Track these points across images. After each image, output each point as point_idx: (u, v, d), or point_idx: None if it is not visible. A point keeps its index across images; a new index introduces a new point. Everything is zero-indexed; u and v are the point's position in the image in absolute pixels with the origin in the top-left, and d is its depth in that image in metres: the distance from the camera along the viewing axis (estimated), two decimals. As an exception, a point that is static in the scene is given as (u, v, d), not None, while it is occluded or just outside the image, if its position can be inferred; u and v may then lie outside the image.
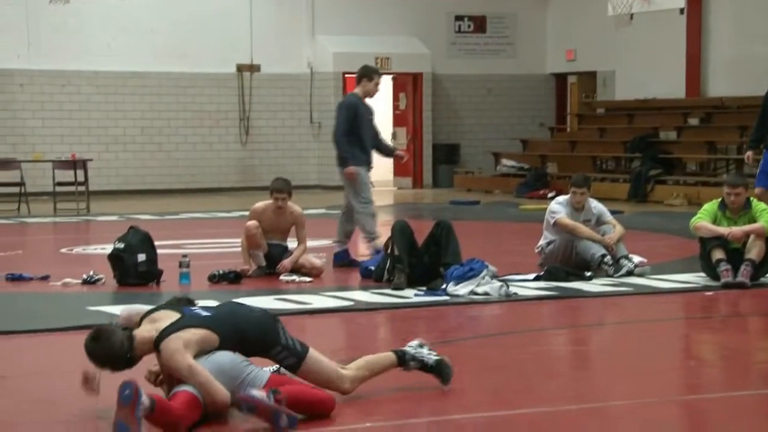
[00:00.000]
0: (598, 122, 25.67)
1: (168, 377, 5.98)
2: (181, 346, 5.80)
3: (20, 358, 7.72)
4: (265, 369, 6.00)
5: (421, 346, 6.46)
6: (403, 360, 6.38)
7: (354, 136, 12.12)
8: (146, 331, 5.94)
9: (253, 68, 25.02)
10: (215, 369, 5.79)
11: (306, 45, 25.44)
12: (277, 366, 6.13)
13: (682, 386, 6.93)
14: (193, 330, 5.90)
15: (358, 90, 12.56)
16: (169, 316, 6.01)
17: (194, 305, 6.22)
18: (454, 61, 26.84)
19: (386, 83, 26.96)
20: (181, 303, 6.21)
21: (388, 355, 6.41)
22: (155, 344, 5.86)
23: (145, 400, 5.41)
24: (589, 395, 6.58)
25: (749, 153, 13.79)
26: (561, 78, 27.87)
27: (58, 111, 23.63)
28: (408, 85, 26.31)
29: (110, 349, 5.84)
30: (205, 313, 6.09)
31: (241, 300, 9.08)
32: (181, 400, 5.66)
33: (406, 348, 6.45)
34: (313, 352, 6.15)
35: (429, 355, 6.44)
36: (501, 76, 27.04)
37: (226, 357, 5.89)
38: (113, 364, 5.88)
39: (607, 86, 26.24)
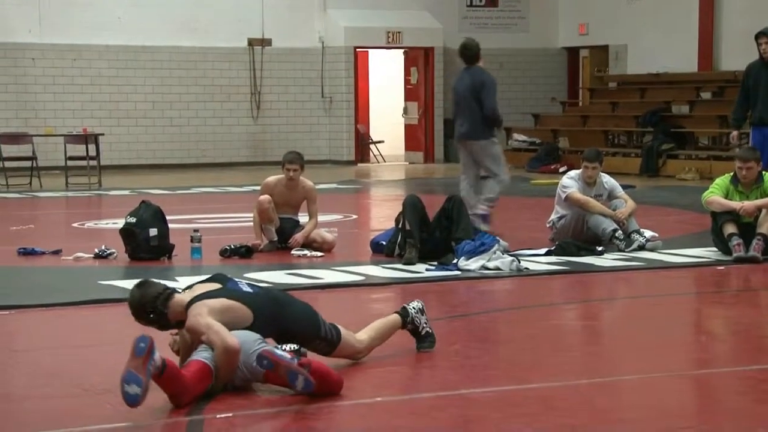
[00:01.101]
0: (610, 96, 25.60)
1: (185, 349, 6.01)
2: (205, 310, 5.88)
3: (32, 333, 7.76)
4: (283, 349, 6.00)
5: (421, 312, 6.72)
6: (404, 321, 6.65)
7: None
8: (184, 296, 6.03)
9: (265, 42, 24.98)
10: None
11: (317, 19, 25.38)
12: (298, 346, 6.15)
13: (693, 361, 6.94)
14: (224, 300, 5.98)
15: (482, 64, 12.99)
16: (209, 287, 6.10)
17: (240, 282, 6.29)
18: (466, 35, 26.63)
19: (398, 58, 26.92)
20: (228, 280, 6.26)
21: (394, 318, 6.66)
22: (186, 308, 5.93)
23: (157, 358, 5.43)
24: (599, 370, 6.58)
25: (734, 132, 13.82)
26: (573, 52, 27.78)
27: (70, 85, 23.63)
28: (419, 59, 26.24)
29: (143, 297, 5.95)
30: (246, 289, 6.17)
31: (252, 275, 9.12)
32: (193, 369, 5.69)
33: (409, 308, 6.70)
34: (344, 335, 6.31)
35: (425, 326, 6.71)
36: (513, 50, 26.95)
37: (242, 333, 5.92)
38: (140, 314, 5.95)
39: (619, 60, 26.15)
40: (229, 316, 5.94)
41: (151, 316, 5.96)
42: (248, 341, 5.87)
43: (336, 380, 5.80)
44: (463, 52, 12.91)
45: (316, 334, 6.20)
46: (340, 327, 6.34)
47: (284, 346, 6.03)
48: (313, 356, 6.10)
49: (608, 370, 6.58)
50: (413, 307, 6.71)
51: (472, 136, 12.56)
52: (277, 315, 6.13)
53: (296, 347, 6.10)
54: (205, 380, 5.72)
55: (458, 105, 12.82)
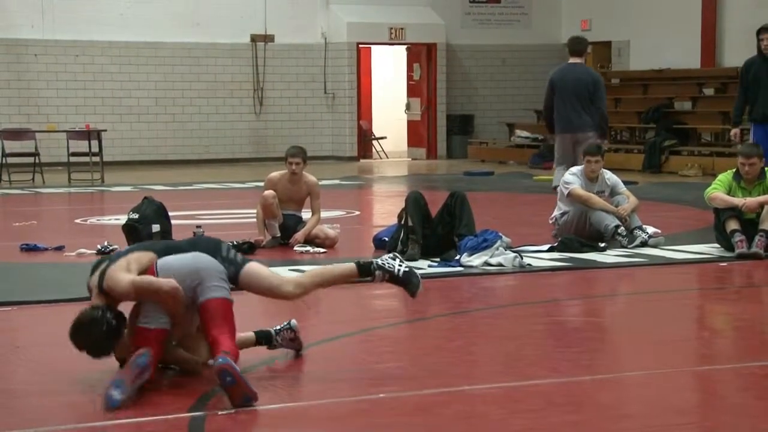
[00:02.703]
0: (612, 92, 25.52)
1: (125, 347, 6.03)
2: (116, 269, 5.91)
3: (35, 329, 7.76)
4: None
5: (393, 258, 6.24)
6: (367, 270, 6.15)
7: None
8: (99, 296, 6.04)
9: (267, 38, 24.98)
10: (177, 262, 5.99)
11: (320, 15, 25.38)
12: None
13: (696, 357, 6.93)
14: (123, 257, 6.02)
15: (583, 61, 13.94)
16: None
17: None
18: (469, 32, 26.75)
19: (400, 54, 26.91)
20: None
21: (348, 265, 6.22)
22: (99, 290, 5.96)
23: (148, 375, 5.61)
24: (602, 366, 6.58)
25: (735, 130, 13.81)
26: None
27: (73, 81, 23.65)
28: (422, 55, 26.23)
29: (98, 334, 5.94)
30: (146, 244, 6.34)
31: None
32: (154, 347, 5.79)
33: (376, 261, 6.21)
34: (253, 264, 6.20)
35: (400, 267, 6.18)
36: (515, 46, 26.95)
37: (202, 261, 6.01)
38: (107, 345, 5.98)
39: (621, 56, 26.14)
40: (141, 264, 5.98)
41: (112, 326, 5.91)
42: (206, 270, 5.92)
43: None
44: (577, 45, 13.83)
45: (216, 251, 6.11)
46: (254, 262, 6.27)
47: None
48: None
49: (611, 367, 6.57)
50: (382, 258, 6.22)
51: (582, 129, 13.36)
52: (169, 245, 6.25)
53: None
54: (162, 342, 5.85)
55: (566, 97, 13.46)
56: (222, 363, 5.48)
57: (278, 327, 6.45)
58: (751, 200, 10.41)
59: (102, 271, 6.01)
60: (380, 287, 9.11)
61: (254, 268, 6.18)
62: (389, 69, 27.71)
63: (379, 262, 6.17)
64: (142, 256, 6.05)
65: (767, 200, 10.38)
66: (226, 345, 5.69)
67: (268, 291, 6.16)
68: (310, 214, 11.30)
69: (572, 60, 13.75)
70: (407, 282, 6.18)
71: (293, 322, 6.45)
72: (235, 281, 6.13)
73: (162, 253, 6.11)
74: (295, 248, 10.95)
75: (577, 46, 13.87)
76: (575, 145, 13.46)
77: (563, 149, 13.68)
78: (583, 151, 11.95)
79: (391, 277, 6.17)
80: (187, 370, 6.12)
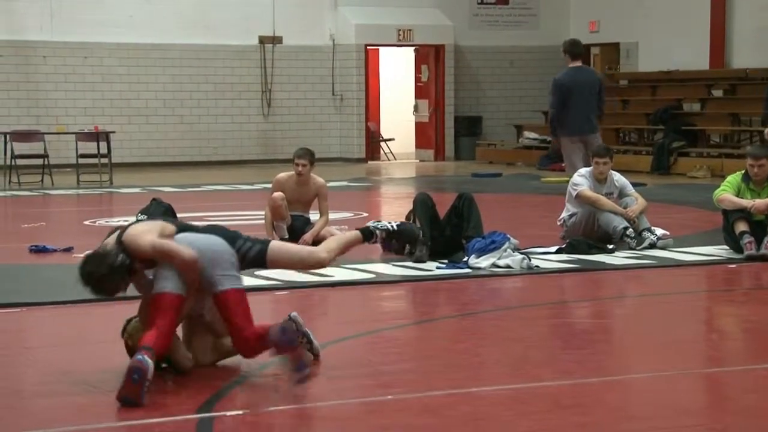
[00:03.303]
0: (621, 94, 25.54)
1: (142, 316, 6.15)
2: (140, 230, 6.12)
3: (43, 330, 7.77)
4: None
5: (378, 221, 6.90)
6: (369, 234, 6.72)
7: None
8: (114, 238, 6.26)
9: (275, 40, 24.99)
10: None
11: (328, 17, 25.38)
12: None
13: (704, 359, 6.92)
14: (145, 222, 6.32)
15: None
16: None
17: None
18: (477, 33, 26.74)
19: (408, 55, 26.91)
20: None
21: (355, 233, 6.73)
22: (118, 243, 6.10)
23: (150, 378, 5.62)
24: (610, 368, 6.58)
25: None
26: (584, 49, 27.69)
27: (81, 83, 23.67)
28: (430, 57, 26.22)
29: (107, 264, 6.10)
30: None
31: (262, 273, 9.10)
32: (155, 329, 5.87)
33: (372, 225, 6.78)
34: (275, 242, 6.57)
35: (391, 223, 6.80)
36: (523, 47, 26.93)
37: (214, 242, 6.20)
38: (112, 279, 6.08)
39: (630, 57, 26.10)
40: (164, 232, 6.14)
41: (124, 265, 6.05)
42: (218, 254, 6.09)
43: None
44: (577, 48, 13.87)
45: (235, 237, 6.40)
46: (274, 241, 6.61)
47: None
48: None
49: (619, 368, 6.57)
50: (374, 222, 6.84)
51: (593, 130, 13.45)
52: (188, 225, 6.41)
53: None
54: (179, 310, 5.97)
55: (580, 100, 13.48)
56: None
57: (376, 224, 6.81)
58: (760, 202, 10.39)
59: (123, 228, 6.19)
60: (390, 290, 9.13)
61: (279, 244, 6.64)
62: (397, 71, 27.70)
63: (373, 224, 6.77)
64: (167, 226, 6.22)
65: (776, 202, 10.36)
66: (260, 328, 5.94)
67: (300, 262, 6.60)
68: (318, 215, 11.30)
69: (574, 63, 13.69)
70: (402, 232, 6.85)
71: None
72: (263, 260, 6.38)
73: (180, 229, 6.27)
74: (303, 250, 10.93)
75: (577, 49, 13.86)
76: (584, 146, 13.47)
77: (574, 152, 13.66)
78: (591, 152, 11.94)
79: (388, 233, 6.79)
80: (175, 362, 6.14)
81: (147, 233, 6.08)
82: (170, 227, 6.22)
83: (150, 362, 5.63)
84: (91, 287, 6.08)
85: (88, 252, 6.11)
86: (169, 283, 5.98)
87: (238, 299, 6.05)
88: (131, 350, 6.14)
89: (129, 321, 6.32)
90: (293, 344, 5.79)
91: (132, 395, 5.57)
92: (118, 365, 6.07)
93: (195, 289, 6.06)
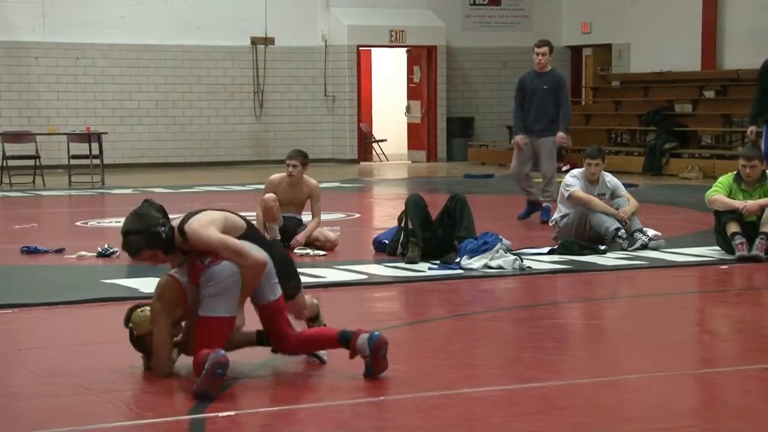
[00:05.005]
0: (613, 95, 25.59)
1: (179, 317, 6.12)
2: (206, 221, 6.00)
3: (35, 331, 7.76)
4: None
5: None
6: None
7: None
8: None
9: (268, 41, 24.98)
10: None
11: (320, 17, 25.38)
12: None
13: (697, 360, 6.93)
14: (214, 211, 6.16)
15: None
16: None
17: None
18: (469, 34, 26.76)
19: (401, 56, 26.91)
20: None
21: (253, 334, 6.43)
22: (179, 231, 6.01)
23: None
24: (603, 369, 6.58)
25: (752, 128, 13.73)
26: (576, 50, 27.76)
27: (73, 84, 23.65)
28: (422, 58, 26.23)
29: (148, 219, 6.05)
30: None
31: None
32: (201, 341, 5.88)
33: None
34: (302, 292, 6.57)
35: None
36: (516, 48, 26.92)
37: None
38: (152, 236, 6.01)
39: (622, 59, 26.14)
40: (227, 225, 6.08)
41: (159, 236, 5.99)
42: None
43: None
44: (548, 49, 13.71)
45: (290, 272, 6.39)
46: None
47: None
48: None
49: (611, 369, 6.57)
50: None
51: (549, 133, 13.49)
52: (261, 242, 6.28)
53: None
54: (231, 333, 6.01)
55: (536, 101, 13.53)
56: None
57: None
58: (752, 203, 10.41)
59: (186, 216, 6.08)
60: (380, 290, 9.12)
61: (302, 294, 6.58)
62: (389, 71, 27.70)
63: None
64: (230, 220, 6.13)
65: (768, 203, 10.38)
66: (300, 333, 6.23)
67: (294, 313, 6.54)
68: (311, 216, 11.29)
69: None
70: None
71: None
72: (292, 297, 6.41)
73: (245, 235, 6.17)
74: (296, 251, 10.94)
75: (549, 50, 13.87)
76: (537, 149, 13.68)
77: (524, 153, 13.83)
78: (584, 153, 11.95)
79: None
80: (158, 364, 6.14)
81: (214, 228, 6.00)
82: (237, 229, 6.14)
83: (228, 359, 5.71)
84: (122, 236, 6.11)
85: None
86: (222, 306, 5.95)
87: (283, 306, 6.20)
88: (136, 340, 6.16)
89: (133, 309, 6.28)
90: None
91: (212, 389, 5.61)
92: (110, 366, 6.06)
93: (248, 294, 6.06)
